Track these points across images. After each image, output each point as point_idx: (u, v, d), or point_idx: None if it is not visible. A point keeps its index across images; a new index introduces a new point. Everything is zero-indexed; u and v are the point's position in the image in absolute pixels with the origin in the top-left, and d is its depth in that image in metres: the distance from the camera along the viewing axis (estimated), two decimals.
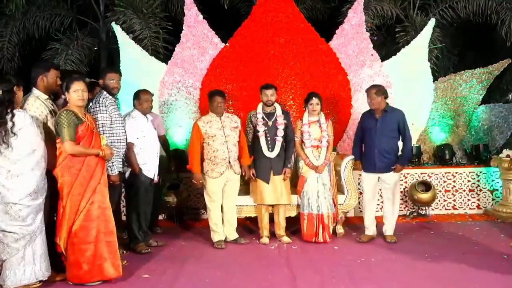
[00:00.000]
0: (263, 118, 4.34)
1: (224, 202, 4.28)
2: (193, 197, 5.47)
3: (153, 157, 4.09)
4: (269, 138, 4.31)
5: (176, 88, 5.85)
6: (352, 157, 4.52)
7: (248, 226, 5.05)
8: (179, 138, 5.84)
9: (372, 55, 5.96)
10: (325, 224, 4.20)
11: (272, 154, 4.29)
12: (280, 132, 4.32)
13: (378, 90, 4.25)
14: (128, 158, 3.94)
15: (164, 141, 5.12)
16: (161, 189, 4.92)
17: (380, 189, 4.42)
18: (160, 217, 5.24)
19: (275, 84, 4.56)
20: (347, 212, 4.62)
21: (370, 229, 4.39)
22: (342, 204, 4.57)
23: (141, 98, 4.10)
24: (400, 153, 4.35)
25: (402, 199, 5.56)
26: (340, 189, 4.71)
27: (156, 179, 4.14)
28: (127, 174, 4.00)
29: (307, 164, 4.26)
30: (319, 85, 5.64)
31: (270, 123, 4.34)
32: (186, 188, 5.38)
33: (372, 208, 4.40)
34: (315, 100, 4.29)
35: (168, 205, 5.11)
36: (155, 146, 4.13)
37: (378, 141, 4.19)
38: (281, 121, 4.35)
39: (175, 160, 5.28)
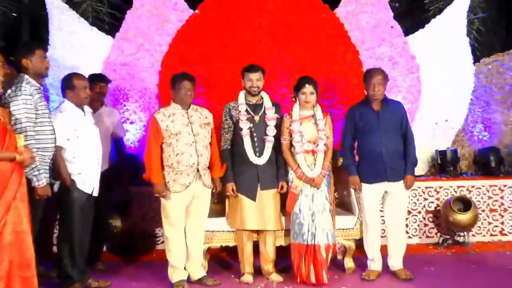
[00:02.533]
0: (247, 111, 4.33)
1: (187, 227, 4.23)
2: (148, 220, 5.42)
3: (91, 165, 4.03)
4: (256, 139, 4.29)
5: (126, 70, 5.82)
6: None
7: (223, 260, 5.01)
8: (130, 138, 5.81)
9: (392, 27, 6.02)
10: (320, 259, 4.13)
11: (261, 161, 4.27)
12: (271, 130, 4.30)
13: (385, 76, 4.33)
14: (56, 166, 3.88)
15: (120, 145, 5.08)
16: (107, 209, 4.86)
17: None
18: (104, 248, 5.17)
19: (262, 65, 4.55)
20: (359, 239, 4.63)
21: (377, 262, 4.42)
22: (352, 228, 4.58)
23: (75, 85, 4.04)
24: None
25: (433, 221, 5.63)
26: (348, 208, 4.73)
27: (96, 194, 4.09)
28: (55, 188, 3.93)
29: (299, 176, 4.22)
30: (321, 67, 5.66)
31: (256, 118, 4.33)
32: (139, 208, 5.35)
33: (377, 233, 4.44)
34: (308, 88, 4.26)
35: (114, 231, 5.05)
36: (95, 150, 4.07)
37: (386, 140, 4.25)
38: (271, 115, 4.33)
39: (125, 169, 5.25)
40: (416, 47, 6.05)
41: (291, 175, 4.29)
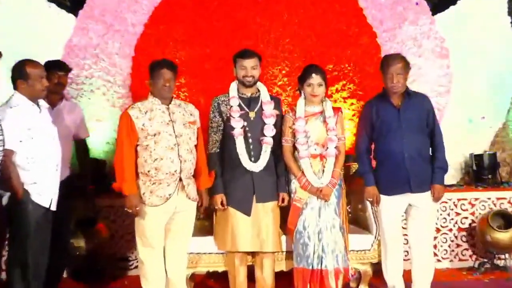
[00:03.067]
0: (240, 106, 4.36)
1: (167, 249, 4.21)
2: (119, 240, 5.45)
3: (48, 173, 4.02)
4: (251, 140, 4.29)
5: (91, 56, 5.84)
6: None
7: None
8: (96, 140, 5.81)
9: (417, 4, 6.04)
10: (328, 287, 4.16)
11: (257, 167, 4.26)
12: (270, 130, 4.30)
13: (406, 64, 4.33)
14: (5, 175, 3.87)
15: (83, 148, 5.09)
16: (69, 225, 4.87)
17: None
18: (65, 274, 5.17)
19: (258, 50, 4.56)
20: (376, 263, 4.64)
21: None
22: (369, 250, 4.61)
23: (29, 74, 4.02)
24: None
25: (467, 241, 5.65)
26: (363, 225, 4.76)
27: (54, 207, 4.09)
28: (4, 201, 3.93)
29: (303, 185, 4.23)
30: (330, 52, 5.71)
31: (252, 114, 4.34)
32: (107, 225, 5.35)
33: (399, 256, 4.46)
34: (316, 79, 4.27)
35: (77, 253, 5.05)
36: (53, 154, 4.06)
37: (408, 141, 4.25)
38: (270, 110, 4.33)
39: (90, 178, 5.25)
40: (446, 27, 6.08)
41: (294, 184, 4.31)
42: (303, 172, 4.27)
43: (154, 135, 4.06)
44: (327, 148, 4.28)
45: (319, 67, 4.39)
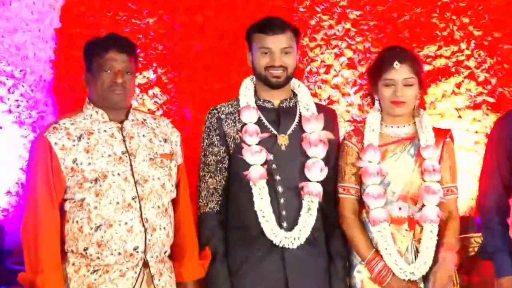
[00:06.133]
0: (260, 123, 4.37)
1: None
2: None
3: None
4: (280, 188, 4.37)
5: None
6: None
7: None
8: None
9: None
10: None
11: (291, 239, 4.30)
12: (316, 169, 4.32)
13: None
14: None
15: None
16: None
17: None
18: None
19: (291, 19, 4.56)
20: None
21: None
22: None
23: None
24: None
25: None
26: None
27: None
28: None
29: (377, 276, 4.24)
30: (428, 22, 5.73)
31: (282, 140, 4.38)
32: None
33: None
34: (402, 72, 4.29)
35: None
36: None
37: None
38: (316, 133, 4.37)
39: None
40: None
41: (361, 274, 4.35)
42: (377, 250, 4.27)
43: (96, 180, 4.04)
44: (423, 205, 4.29)
45: (408, 51, 4.45)
